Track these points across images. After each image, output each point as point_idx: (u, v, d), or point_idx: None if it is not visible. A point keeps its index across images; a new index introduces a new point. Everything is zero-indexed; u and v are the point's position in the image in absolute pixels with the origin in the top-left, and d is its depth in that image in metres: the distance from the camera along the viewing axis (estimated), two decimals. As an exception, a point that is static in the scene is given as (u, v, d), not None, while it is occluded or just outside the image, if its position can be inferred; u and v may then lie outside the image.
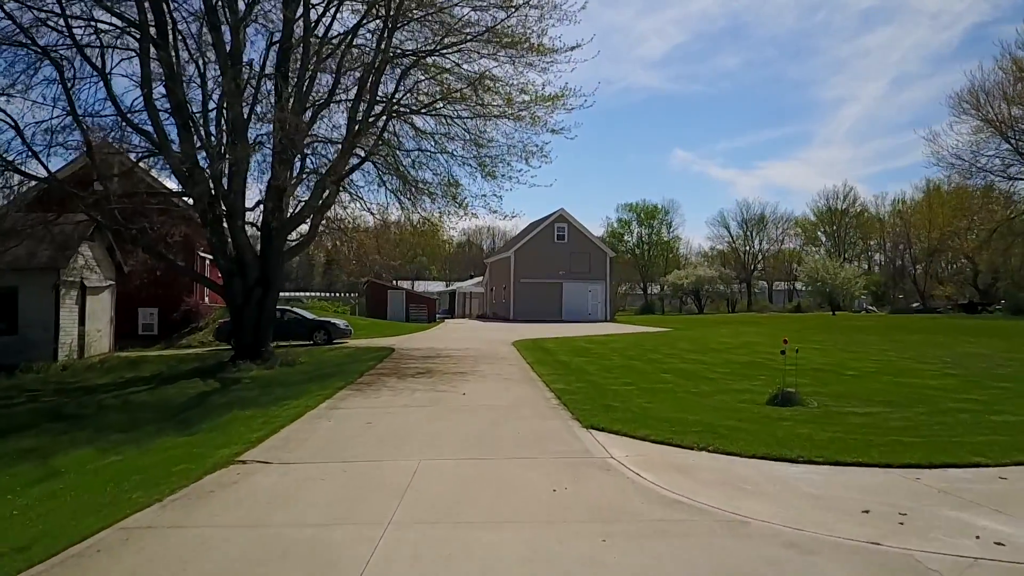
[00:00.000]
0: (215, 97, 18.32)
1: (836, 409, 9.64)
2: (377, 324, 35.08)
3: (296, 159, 19.69)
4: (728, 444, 7.16)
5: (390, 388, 12.62)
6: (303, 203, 19.68)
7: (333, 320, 25.60)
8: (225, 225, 18.93)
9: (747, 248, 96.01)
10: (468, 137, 20.91)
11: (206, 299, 33.20)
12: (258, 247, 19.92)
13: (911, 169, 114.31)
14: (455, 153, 21.34)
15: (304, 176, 20.18)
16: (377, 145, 21.03)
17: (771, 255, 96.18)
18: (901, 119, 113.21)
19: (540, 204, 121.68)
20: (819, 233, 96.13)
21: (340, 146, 19.50)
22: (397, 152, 21.71)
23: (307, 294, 51.73)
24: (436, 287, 74.32)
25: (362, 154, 21.25)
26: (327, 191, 19.56)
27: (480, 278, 60.87)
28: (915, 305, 67.42)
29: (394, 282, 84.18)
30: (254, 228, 20.36)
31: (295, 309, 25.90)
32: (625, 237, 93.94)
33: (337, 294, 53.14)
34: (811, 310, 75.35)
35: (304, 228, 21.17)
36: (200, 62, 18.28)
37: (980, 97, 44.77)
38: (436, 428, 8.65)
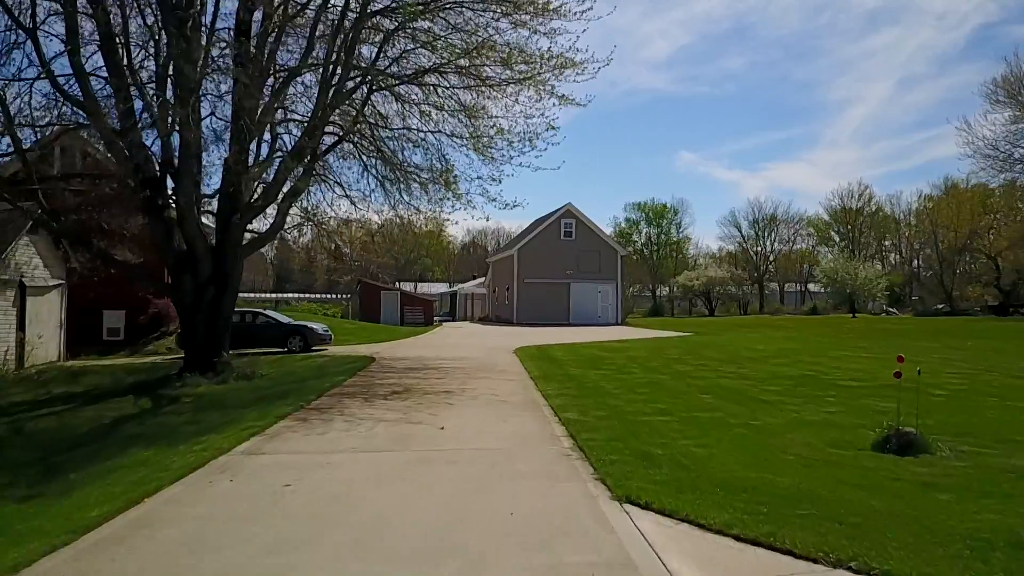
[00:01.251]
0: (160, 59, 15.33)
1: (985, 458, 6.53)
2: (366, 328, 32.03)
3: (263, 134, 16.74)
4: (879, 553, 4.06)
5: (347, 417, 9.56)
6: (265, 187, 16.66)
7: (310, 325, 22.58)
8: (173, 213, 15.96)
9: (758, 248, 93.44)
10: (463, 114, 17.86)
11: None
12: (213, 240, 16.91)
13: (917, 170, 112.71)
14: (448, 133, 18.30)
15: (273, 157, 17.17)
16: (357, 122, 18.02)
17: (783, 256, 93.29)
18: (908, 120, 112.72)
19: (544, 201, 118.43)
20: (832, 233, 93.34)
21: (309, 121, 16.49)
22: (380, 130, 18.69)
23: (296, 295, 48.88)
24: (440, 289, 71.38)
25: (339, 132, 18.31)
26: (294, 172, 16.57)
27: (483, 279, 57.74)
28: (939, 307, 63.95)
29: (396, 284, 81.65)
30: (211, 217, 17.41)
31: (268, 312, 22.92)
32: (633, 237, 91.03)
33: (334, 296, 50.19)
34: (827, 312, 72.42)
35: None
36: (142, 17, 15.32)
37: (1018, 85, 41.65)
38: (386, 500, 5.58)
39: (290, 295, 48.13)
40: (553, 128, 16.75)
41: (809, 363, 16.89)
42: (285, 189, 16.51)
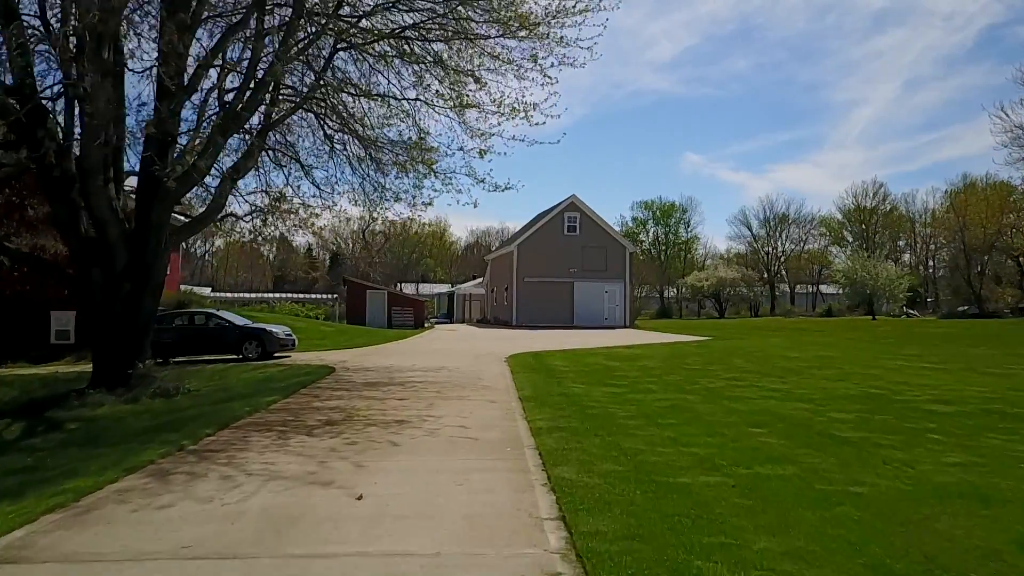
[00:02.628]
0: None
1: None
2: (346, 332, 28.79)
3: (196, 93, 13.67)
4: None
5: (233, 469, 6.39)
6: (195, 160, 13.51)
7: (269, 328, 19.41)
8: (77, 190, 12.84)
9: (769, 248, 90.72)
10: (447, 80, 14.71)
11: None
12: (132, 225, 13.79)
13: (924, 172, 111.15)
14: (425, 101, 15.18)
15: (207, 123, 14.03)
16: (319, 86, 14.90)
17: (794, 256, 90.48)
18: (914, 122, 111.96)
19: (544, 203, 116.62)
20: (846, 233, 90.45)
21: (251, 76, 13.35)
22: (347, 97, 15.57)
23: (278, 295, 45.88)
24: (441, 290, 68.26)
25: (296, 99, 15.23)
26: (231, 143, 13.48)
27: (482, 279, 54.45)
28: (964, 309, 60.35)
29: (397, 286, 78.71)
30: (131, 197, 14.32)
31: (222, 314, 19.77)
32: (640, 236, 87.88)
33: (326, 296, 47.09)
34: (842, 314, 69.25)
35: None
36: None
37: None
38: None
39: (272, 295, 45.07)
40: (549, 79, 13.59)
41: (864, 376, 13.65)
42: (212, 160, 13.33)
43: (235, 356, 18.87)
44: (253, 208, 16.48)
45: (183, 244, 74.12)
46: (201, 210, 15.46)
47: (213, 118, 13.68)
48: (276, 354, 19.51)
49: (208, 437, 7.82)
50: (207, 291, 43.11)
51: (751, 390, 11.61)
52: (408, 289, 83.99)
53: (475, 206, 15.95)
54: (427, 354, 19.87)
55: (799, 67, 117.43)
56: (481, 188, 15.25)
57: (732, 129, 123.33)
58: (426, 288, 76.89)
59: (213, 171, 14.66)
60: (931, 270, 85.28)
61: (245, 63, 13.78)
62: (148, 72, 13.48)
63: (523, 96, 14.30)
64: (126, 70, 13.42)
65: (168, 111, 12.40)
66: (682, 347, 22.48)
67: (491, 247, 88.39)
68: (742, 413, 9.23)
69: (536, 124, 14.26)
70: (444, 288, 71.28)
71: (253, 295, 48.46)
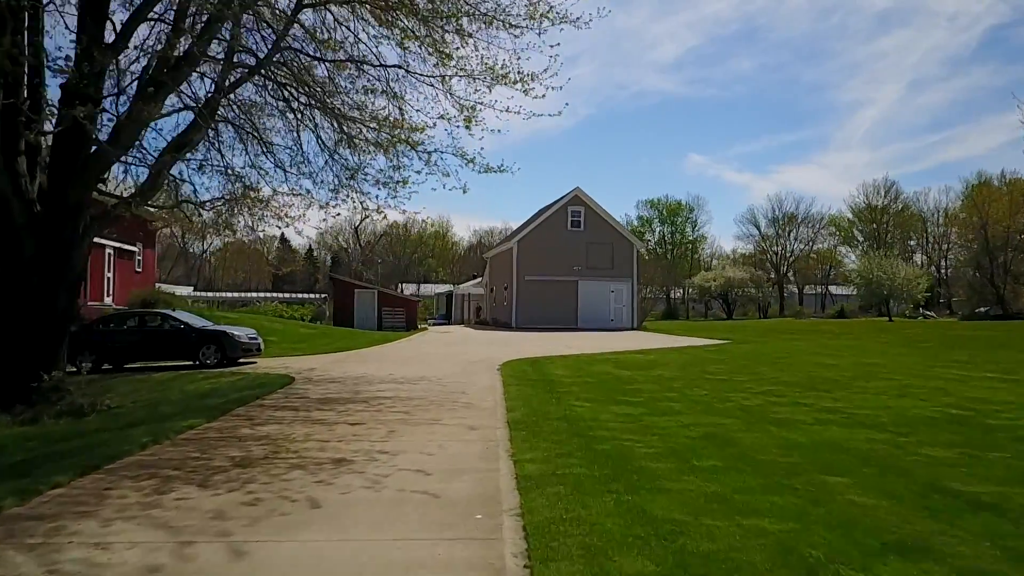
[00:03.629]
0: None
1: None
2: (328, 334, 26.37)
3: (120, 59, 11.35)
4: None
5: (40, 560, 4.04)
6: (117, 127, 11.19)
7: (231, 331, 17.04)
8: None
9: (779, 248, 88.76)
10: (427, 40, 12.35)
11: (108, 296, 25.00)
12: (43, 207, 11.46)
13: (929, 173, 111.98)
14: (411, 69, 12.91)
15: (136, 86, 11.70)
16: (279, 48, 12.57)
17: (803, 256, 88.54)
18: (919, 122, 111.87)
19: (548, 199, 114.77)
20: (856, 232, 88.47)
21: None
22: (310, 61, 13.24)
23: (264, 295, 43.64)
24: (442, 290, 65.90)
25: (251, 63, 12.91)
26: (159, 98, 11.14)
27: (482, 278, 52.04)
28: (985, 310, 57.73)
29: (398, 286, 76.36)
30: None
31: (179, 315, 17.41)
32: (646, 236, 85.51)
33: (314, 296, 44.76)
34: (854, 315, 67.03)
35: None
36: None
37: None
38: None
39: (262, 294, 42.81)
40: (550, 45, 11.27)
41: (927, 391, 11.25)
42: (142, 120, 10.99)
43: (190, 362, 16.56)
44: (221, 197, 14.27)
45: (182, 243, 72.41)
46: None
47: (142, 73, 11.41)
48: (240, 360, 17.18)
49: (53, 490, 5.47)
50: (187, 290, 40.79)
51: (799, 411, 9.22)
52: (409, 289, 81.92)
53: (464, 191, 13.45)
54: (411, 361, 17.51)
55: (803, 68, 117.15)
56: (471, 170, 12.93)
57: (736, 130, 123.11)
58: (428, 288, 74.92)
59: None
60: (943, 270, 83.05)
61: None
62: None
63: (519, 66, 12.06)
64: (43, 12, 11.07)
65: (89, 64, 10.06)
66: (699, 352, 20.09)
67: (493, 246, 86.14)
68: (803, 449, 6.85)
69: (536, 96, 12.02)
70: (445, 288, 69.00)
71: (240, 295, 46.18)
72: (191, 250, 77.59)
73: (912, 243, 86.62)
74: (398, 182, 13.53)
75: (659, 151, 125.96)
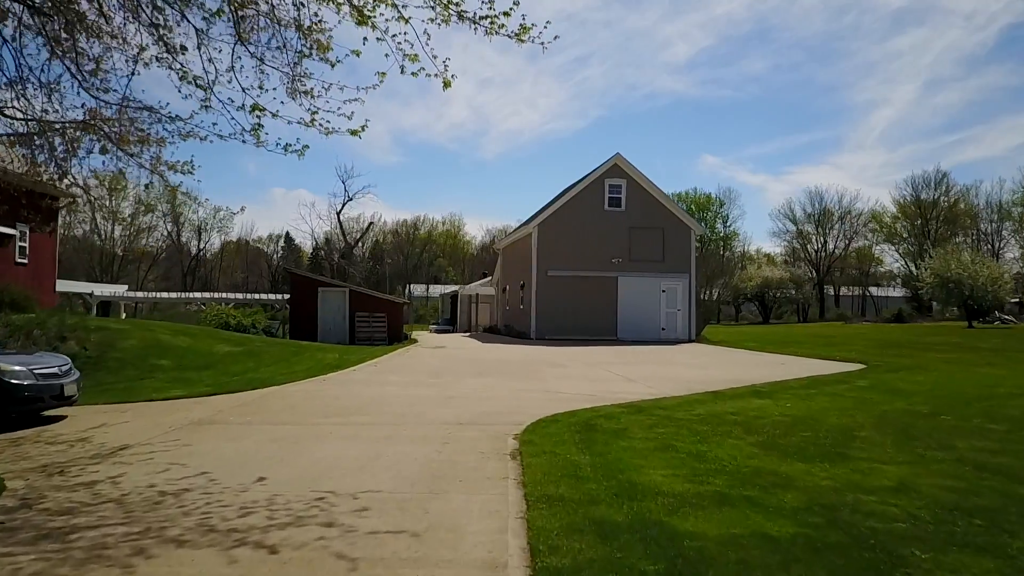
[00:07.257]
0: None
1: None
2: (259, 354, 17.52)
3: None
4: None
5: None
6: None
7: (8, 369, 8.79)
8: None
9: (819, 246, 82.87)
10: None
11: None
12: None
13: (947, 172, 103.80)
14: None
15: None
16: None
17: (842, 255, 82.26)
18: (935, 122, 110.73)
19: (546, 194, 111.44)
20: (899, 227, 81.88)
21: None
22: None
23: (219, 294, 35.58)
24: (450, 291, 57.92)
25: None
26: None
27: (491, 276, 43.72)
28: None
29: (406, 288, 68.46)
30: None
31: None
32: (673, 231, 77.50)
33: (279, 297, 36.66)
34: (912, 319, 59.28)
35: None
36: None
37: None
38: None
39: (213, 295, 34.73)
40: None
41: None
42: None
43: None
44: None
45: (178, 241, 64.55)
46: None
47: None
48: (44, 412, 8.93)
49: None
50: (119, 289, 32.88)
51: None
52: (418, 291, 74.17)
53: (445, 84, 5.00)
54: (341, 426, 9.22)
55: (817, 68, 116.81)
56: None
57: (750, 131, 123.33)
58: (437, 290, 69.05)
59: None
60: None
61: None
62: None
63: None
64: None
65: None
66: (840, 391, 11.66)
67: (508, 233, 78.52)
68: None
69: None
70: (452, 290, 61.15)
71: (183, 295, 38.35)
72: (189, 250, 70.14)
73: (959, 240, 79.61)
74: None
75: (672, 152, 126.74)
